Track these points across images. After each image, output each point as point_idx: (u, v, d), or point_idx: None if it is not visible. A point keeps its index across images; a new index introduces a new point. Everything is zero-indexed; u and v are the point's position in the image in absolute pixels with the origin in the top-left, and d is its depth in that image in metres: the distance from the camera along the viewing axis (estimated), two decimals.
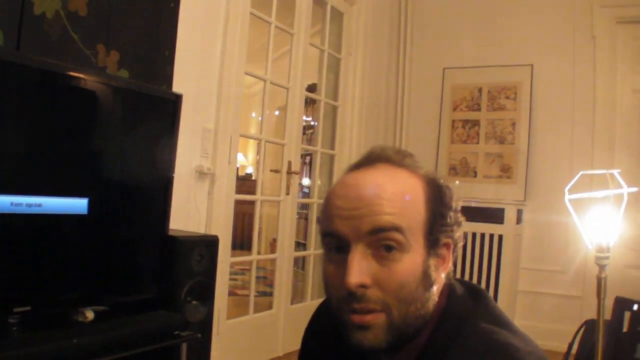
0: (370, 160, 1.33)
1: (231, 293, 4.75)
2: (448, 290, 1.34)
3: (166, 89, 3.57)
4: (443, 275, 1.31)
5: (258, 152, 5.06)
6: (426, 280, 1.25)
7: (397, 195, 1.24)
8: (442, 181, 1.34)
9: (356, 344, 1.25)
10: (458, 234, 1.33)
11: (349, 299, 1.23)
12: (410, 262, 1.23)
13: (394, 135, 6.88)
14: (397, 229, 1.21)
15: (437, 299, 1.30)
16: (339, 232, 1.25)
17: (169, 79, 3.69)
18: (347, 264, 1.22)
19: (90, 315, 2.67)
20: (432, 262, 1.27)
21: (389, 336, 1.23)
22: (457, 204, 1.34)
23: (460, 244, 1.35)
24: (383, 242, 1.22)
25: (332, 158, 6.17)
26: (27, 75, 2.38)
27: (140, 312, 2.82)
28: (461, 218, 1.35)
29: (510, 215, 6.03)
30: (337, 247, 1.27)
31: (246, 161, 13.77)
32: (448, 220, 1.30)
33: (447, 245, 1.31)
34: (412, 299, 1.23)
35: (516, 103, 6.34)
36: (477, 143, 6.52)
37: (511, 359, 1.16)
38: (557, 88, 6.22)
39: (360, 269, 1.21)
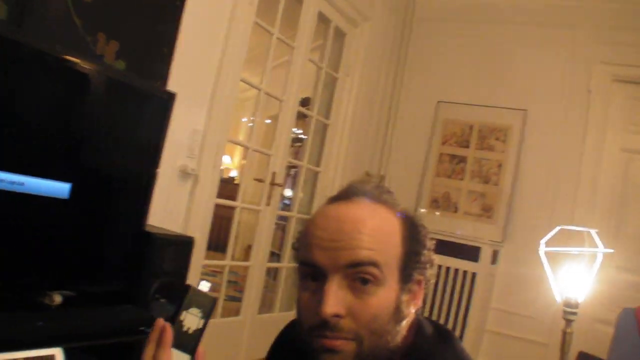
0: (350, 194, 1.35)
1: None
2: (416, 327, 1.36)
3: (161, 86, 3.57)
4: (413, 311, 1.33)
5: (244, 158, 5.04)
6: (398, 314, 1.27)
7: (375, 231, 1.26)
8: (418, 220, 1.36)
9: None
10: (430, 272, 1.35)
11: (322, 327, 1.24)
12: (384, 296, 1.24)
13: (380, 160, 6.90)
14: (374, 263, 1.23)
15: (405, 333, 1.31)
16: (317, 262, 1.26)
17: (164, 76, 3.69)
18: (323, 293, 1.23)
19: (57, 299, 2.66)
20: (405, 297, 1.29)
21: None
22: (431, 242, 1.36)
23: (432, 281, 1.37)
24: (360, 275, 1.23)
25: (316, 175, 6.17)
26: (22, 54, 2.38)
27: (107, 303, 2.82)
28: (434, 256, 1.37)
29: (486, 254, 6.05)
30: (313, 275, 1.28)
31: (231, 164, 13.75)
32: (422, 258, 1.32)
33: (419, 282, 1.33)
34: (383, 331, 1.24)
35: (505, 145, 6.37)
36: (462, 179, 6.54)
37: None
38: (548, 136, 6.25)
39: (336, 299, 1.22)
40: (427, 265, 1.35)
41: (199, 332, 1.16)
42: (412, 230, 1.33)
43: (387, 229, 1.29)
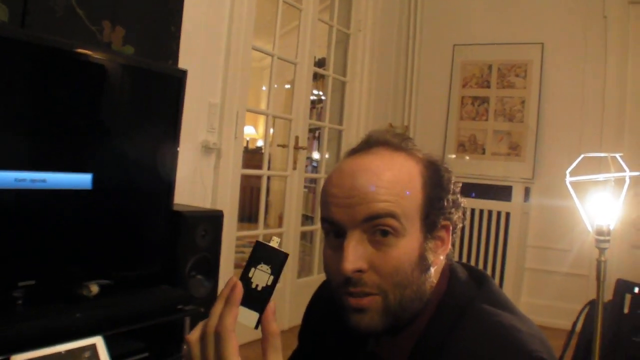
0: (368, 144, 1.33)
1: (238, 266, 4.75)
2: (449, 273, 1.35)
3: (171, 65, 3.58)
4: (442, 257, 1.32)
5: (266, 127, 5.05)
6: (422, 263, 1.25)
7: (392, 182, 1.24)
8: (441, 164, 1.33)
9: (353, 327, 1.26)
10: (457, 215, 1.33)
11: (346, 283, 1.24)
12: (405, 246, 1.23)
13: (402, 111, 6.87)
14: (392, 215, 1.22)
15: (435, 281, 1.30)
16: (335, 219, 1.26)
17: (174, 54, 3.69)
18: (343, 250, 1.23)
19: (94, 289, 2.69)
20: (430, 245, 1.27)
21: (385, 319, 1.24)
22: (456, 185, 1.34)
23: (460, 226, 1.35)
24: (378, 227, 1.22)
25: (340, 133, 6.17)
26: (32, 52, 2.39)
27: (144, 287, 2.85)
28: (461, 199, 1.35)
29: (518, 193, 6.03)
30: (334, 232, 1.28)
31: (257, 134, 13.76)
32: (446, 203, 1.30)
33: (445, 228, 1.31)
34: (407, 282, 1.24)
35: (526, 81, 6.31)
36: (486, 120, 6.50)
37: (514, 341, 1.17)
38: (568, 67, 6.18)
39: (355, 254, 1.22)
40: (453, 210, 1.32)
41: (269, 289, 1.14)
42: (434, 176, 1.30)
43: (405, 178, 1.26)
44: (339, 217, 1.25)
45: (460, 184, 1.36)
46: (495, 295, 1.32)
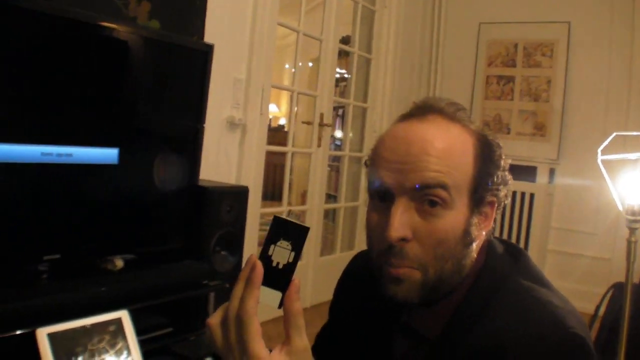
0: (423, 110, 1.31)
1: (261, 243, 4.76)
2: (487, 248, 1.34)
3: (197, 40, 3.56)
4: (484, 233, 1.31)
5: (291, 104, 5.06)
6: (466, 237, 1.25)
7: (445, 152, 1.22)
8: (493, 139, 1.32)
9: (390, 296, 1.25)
10: (503, 192, 1.32)
11: (388, 252, 1.23)
12: (452, 219, 1.23)
13: (427, 89, 6.84)
14: (443, 186, 1.21)
15: (475, 255, 1.30)
16: (385, 183, 1.24)
17: (200, 30, 3.68)
18: (390, 215, 1.22)
19: (119, 263, 2.69)
20: (475, 220, 1.27)
21: (422, 292, 1.24)
22: (506, 162, 1.33)
23: (505, 203, 1.34)
24: (427, 197, 1.21)
25: (364, 111, 6.15)
26: (58, 26, 2.38)
27: (169, 262, 2.84)
28: (509, 177, 1.34)
29: (542, 173, 6.02)
30: (381, 195, 1.27)
31: (279, 112, 13.77)
32: (495, 179, 1.29)
33: (491, 204, 1.30)
34: (449, 255, 1.23)
35: (552, 60, 6.26)
36: (512, 100, 6.46)
37: (551, 315, 1.17)
38: (594, 46, 6.12)
39: (401, 222, 1.21)
40: (501, 187, 1.31)
41: (291, 266, 1.10)
42: (486, 150, 1.29)
43: (458, 150, 1.25)
44: (389, 182, 1.24)
45: (509, 161, 1.35)
46: (532, 270, 1.32)
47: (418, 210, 1.22)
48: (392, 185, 1.23)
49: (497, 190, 1.30)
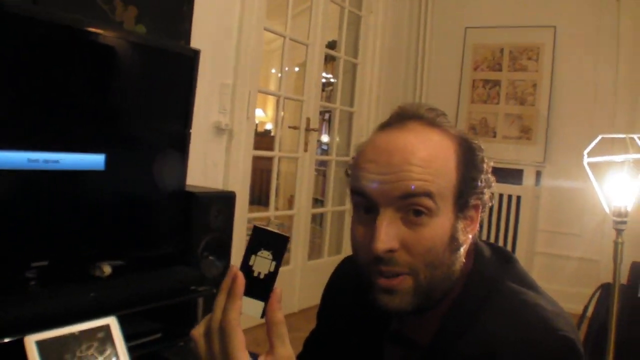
0: (402, 118, 1.30)
1: None
2: (475, 252, 1.34)
3: (184, 45, 3.56)
4: (470, 237, 1.30)
5: (277, 109, 5.07)
6: (453, 243, 1.24)
7: (427, 160, 1.22)
8: (474, 142, 1.31)
9: (382, 306, 1.25)
10: (487, 195, 1.32)
11: (377, 262, 1.22)
12: (438, 226, 1.22)
13: (413, 94, 6.85)
14: (428, 194, 1.20)
15: (464, 260, 1.29)
16: (368, 195, 1.24)
17: (187, 35, 3.67)
18: (376, 228, 1.21)
19: (107, 270, 2.69)
20: (461, 224, 1.26)
21: (415, 299, 1.24)
22: (488, 165, 1.32)
23: (490, 205, 1.34)
24: (412, 207, 1.20)
25: (351, 115, 6.15)
26: (44, 30, 2.36)
27: (157, 267, 2.84)
28: (492, 179, 1.33)
29: (529, 176, 6.02)
30: (365, 207, 1.26)
31: (265, 117, 13.77)
32: (479, 182, 1.28)
33: (475, 207, 1.30)
34: (439, 262, 1.23)
35: (538, 64, 6.28)
36: (498, 103, 6.49)
37: (541, 319, 1.17)
38: (580, 50, 6.15)
39: (388, 233, 1.20)
40: (485, 190, 1.30)
41: (272, 276, 1.10)
42: (468, 154, 1.28)
43: (440, 156, 1.24)
44: (372, 193, 1.23)
45: (491, 164, 1.34)
46: (520, 274, 1.32)
47: (404, 220, 1.22)
48: (376, 197, 1.23)
49: (482, 193, 1.30)
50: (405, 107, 1.33)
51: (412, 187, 1.20)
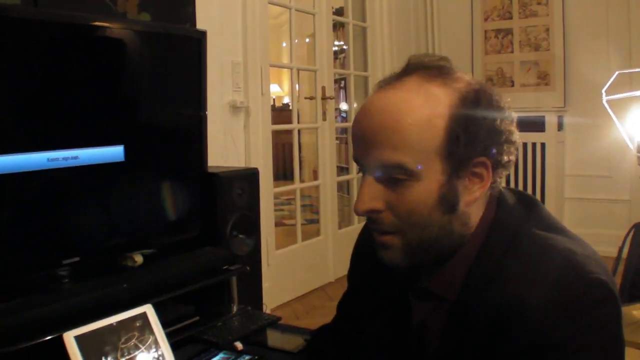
0: (402, 73, 1.27)
1: (279, 224, 4.78)
2: (498, 201, 1.31)
3: (190, 27, 3.55)
4: (478, 194, 1.26)
5: (292, 81, 5.06)
6: (445, 204, 1.22)
7: (405, 123, 1.19)
8: (482, 93, 1.25)
9: (381, 261, 1.28)
10: (505, 149, 1.26)
11: (369, 221, 1.26)
12: (421, 189, 1.20)
13: (426, 50, 6.77)
14: (399, 166, 1.19)
15: (479, 212, 1.28)
16: (355, 158, 1.26)
17: (191, 17, 3.66)
18: (360, 188, 1.24)
19: (139, 259, 2.70)
20: (458, 183, 1.23)
21: (406, 256, 1.25)
22: (505, 118, 1.26)
23: (506, 160, 1.27)
24: (388, 175, 1.21)
25: (366, 80, 6.12)
26: (50, 31, 2.37)
27: (187, 251, 2.85)
28: (510, 131, 1.27)
29: (551, 122, 5.98)
30: (359, 169, 1.27)
31: (282, 92, 13.74)
32: (480, 138, 1.22)
33: (482, 164, 1.24)
34: (424, 223, 1.22)
35: (548, 8, 6.20)
36: (512, 52, 6.43)
37: (570, 263, 1.16)
38: None
39: (369, 195, 1.22)
40: (492, 145, 1.24)
41: None
42: (468, 109, 1.22)
43: (424, 116, 1.19)
44: (357, 157, 1.25)
45: (514, 117, 1.28)
46: (545, 218, 1.30)
47: (387, 182, 1.22)
48: (360, 160, 1.24)
49: (488, 148, 1.24)
50: (411, 59, 1.30)
51: (383, 160, 1.20)
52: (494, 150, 1.25)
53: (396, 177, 1.20)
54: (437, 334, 1.30)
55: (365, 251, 1.51)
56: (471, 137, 1.22)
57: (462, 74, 1.28)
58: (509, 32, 6.44)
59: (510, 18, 6.43)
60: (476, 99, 1.24)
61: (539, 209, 1.32)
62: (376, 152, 1.20)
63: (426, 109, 1.21)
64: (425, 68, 1.27)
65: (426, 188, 1.21)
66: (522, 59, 6.37)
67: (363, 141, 1.23)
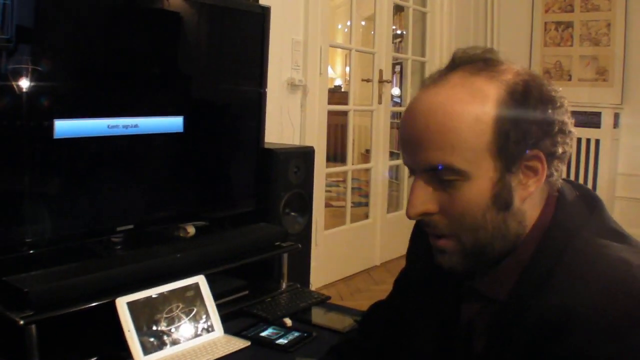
0: (445, 70, 1.23)
1: (326, 205, 4.77)
2: (558, 197, 1.25)
3: (254, 2, 3.55)
4: (533, 188, 1.20)
5: (348, 63, 5.03)
6: (499, 202, 1.18)
7: (449, 124, 1.15)
8: (533, 84, 1.19)
9: (438, 265, 1.25)
10: (560, 140, 1.19)
11: (422, 224, 1.22)
12: (472, 190, 1.17)
13: (484, 40, 6.72)
14: (447, 167, 1.15)
15: (537, 209, 1.23)
16: (405, 162, 1.23)
17: None
18: (411, 192, 1.20)
19: (191, 230, 2.72)
20: (512, 179, 1.18)
21: (464, 260, 1.22)
22: (559, 108, 1.20)
23: (562, 152, 1.20)
24: (439, 177, 1.17)
25: (422, 65, 6.08)
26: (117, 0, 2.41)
27: (239, 226, 2.86)
28: (565, 122, 1.21)
29: (607, 119, 5.90)
30: (409, 170, 1.24)
31: (334, 73, 13.73)
32: (533, 130, 1.17)
33: (537, 157, 1.19)
34: (478, 225, 1.18)
35: (611, 3, 6.11)
36: (571, 46, 6.35)
37: (622, 275, 1.09)
38: None
39: (419, 198, 1.19)
40: (544, 136, 1.18)
41: None
42: (518, 102, 1.17)
43: (470, 114, 1.15)
44: (405, 159, 1.22)
45: (568, 107, 1.22)
46: (607, 222, 1.24)
47: (438, 184, 1.18)
48: (408, 163, 1.21)
49: (541, 141, 1.18)
50: (456, 54, 1.25)
51: (430, 162, 1.16)
52: (548, 142, 1.19)
53: (446, 179, 1.16)
54: (484, 334, 1.27)
55: (423, 238, 1.49)
56: (521, 131, 1.17)
57: (509, 64, 1.23)
58: (569, 25, 6.36)
59: (572, 11, 6.34)
60: (525, 90, 1.18)
61: (601, 211, 1.26)
62: (423, 155, 1.16)
63: (472, 105, 1.16)
64: (470, 62, 1.22)
65: (478, 187, 1.17)
66: (581, 53, 6.29)
67: (410, 144, 1.19)
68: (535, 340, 1.13)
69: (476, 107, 1.16)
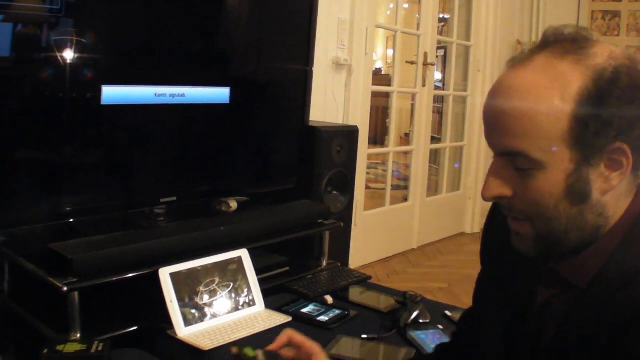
0: (534, 49, 1.16)
1: (365, 186, 4.76)
2: None
3: None
4: (616, 182, 1.13)
5: (391, 45, 4.99)
6: (573, 194, 1.12)
7: (526, 109, 1.10)
8: (624, 69, 1.09)
9: (514, 246, 1.22)
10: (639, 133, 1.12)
11: (499, 205, 1.21)
12: (546, 179, 1.12)
13: (530, 27, 6.67)
14: (521, 154, 1.11)
15: (626, 202, 1.17)
16: (486, 138, 1.19)
17: None
18: (487, 174, 1.17)
19: (234, 205, 2.72)
20: (591, 172, 1.12)
21: (538, 245, 1.18)
22: None
23: None
24: (513, 163, 1.13)
25: (467, 50, 6.04)
26: None
27: (280, 202, 2.86)
28: None
29: None
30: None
31: (375, 56, 13.67)
32: (617, 121, 1.09)
33: (621, 150, 1.11)
34: (551, 215, 1.14)
35: None
36: (618, 35, 6.29)
37: None
38: None
39: (495, 181, 1.15)
40: (631, 128, 1.10)
41: None
42: (604, 90, 1.08)
43: (548, 101, 1.09)
44: (487, 139, 1.18)
45: None
46: None
47: (514, 169, 1.14)
48: (488, 143, 1.17)
49: (625, 133, 1.10)
50: (547, 32, 1.18)
51: (505, 147, 1.13)
52: (634, 135, 1.11)
53: (520, 166, 1.12)
54: (559, 318, 1.24)
55: (497, 226, 1.45)
56: (602, 122, 1.09)
57: (602, 46, 1.13)
58: (616, 14, 6.29)
59: (620, 0, 6.26)
60: (613, 78, 1.09)
61: None
62: (500, 139, 1.13)
63: (550, 91, 1.10)
64: (559, 42, 1.15)
65: (552, 178, 1.12)
66: (627, 43, 6.21)
67: (489, 126, 1.16)
68: (613, 334, 1.09)
69: (555, 93, 1.09)
